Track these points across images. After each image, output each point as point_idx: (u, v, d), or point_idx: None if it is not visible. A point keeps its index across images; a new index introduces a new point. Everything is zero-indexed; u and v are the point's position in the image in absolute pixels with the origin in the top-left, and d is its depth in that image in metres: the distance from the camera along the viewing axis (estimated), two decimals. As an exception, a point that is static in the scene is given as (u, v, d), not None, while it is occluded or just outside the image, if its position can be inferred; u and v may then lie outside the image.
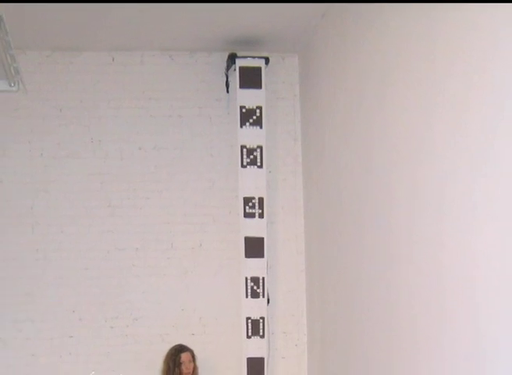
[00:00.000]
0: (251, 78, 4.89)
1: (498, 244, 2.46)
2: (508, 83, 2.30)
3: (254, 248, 4.85)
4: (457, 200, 2.77)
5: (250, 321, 4.84)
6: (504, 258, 2.39)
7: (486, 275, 2.52)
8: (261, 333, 4.84)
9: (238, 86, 4.86)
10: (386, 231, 3.53)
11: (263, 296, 4.86)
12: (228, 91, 5.03)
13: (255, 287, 4.85)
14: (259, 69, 4.89)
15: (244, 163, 4.86)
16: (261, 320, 4.85)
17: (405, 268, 3.33)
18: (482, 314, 2.56)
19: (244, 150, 4.86)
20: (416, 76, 3.12)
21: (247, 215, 4.85)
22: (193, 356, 4.51)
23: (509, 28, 2.29)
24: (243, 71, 4.86)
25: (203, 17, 4.49)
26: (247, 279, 4.84)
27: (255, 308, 4.86)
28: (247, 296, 4.83)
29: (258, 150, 4.88)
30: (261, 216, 4.85)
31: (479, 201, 2.56)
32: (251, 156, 4.87)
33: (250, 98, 4.89)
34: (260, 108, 4.88)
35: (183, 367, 4.44)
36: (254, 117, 4.87)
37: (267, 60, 4.93)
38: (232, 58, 4.89)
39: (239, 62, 4.86)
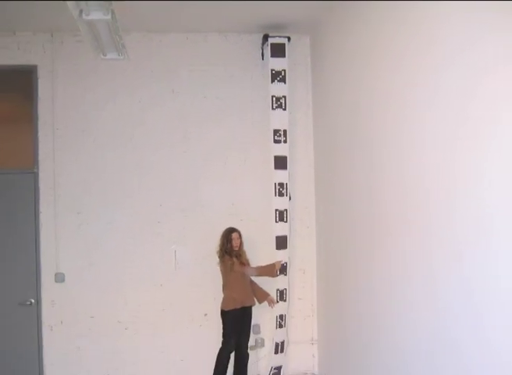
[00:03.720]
0: (278, 50, 5.66)
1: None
2: (448, 59, 2.85)
3: (280, 163, 5.65)
4: (411, 127, 3.34)
5: (277, 212, 5.67)
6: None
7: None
8: (285, 220, 5.67)
9: (270, 56, 5.65)
10: (368, 150, 4.21)
11: (286, 195, 5.70)
12: (263, 59, 5.82)
13: (281, 189, 5.68)
14: (283, 44, 5.68)
15: (274, 107, 5.67)
16: (284, 211, 5.68)
17: (380, 172, 3.96)
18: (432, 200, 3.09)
19: (274, 98, 5.65)
20: (389, 53, 3.71)
21: (275, 141, 5.67)
22: (240, 235, 5.45)
23: (456, 19, 2.79)
24: (273, 46, 5.67)
25: (247, 10, 5.29)
26: (275, 184, 5.67)
27: (281, 203, 5.68)
28: (275, 195, 5.68)
29: (283, 98, 5.66)
30: (285, 142, 5.68)
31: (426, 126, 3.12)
32: (278, 102, 5.67)
33: (277, 63, 5.67)
34: (284, 70, 5.67)
35: (233, 242, 5.37)
36: (280, 76, 5.67)
37: (289, 39, 5.71)
38: (265, 38, 5.70)
39: (270, 40, 5.67)
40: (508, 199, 2.42)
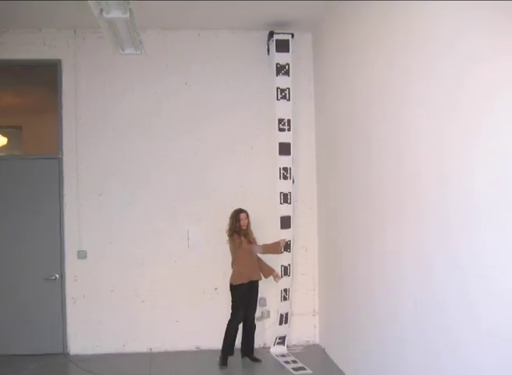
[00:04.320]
0: (283, 46, 5.91)
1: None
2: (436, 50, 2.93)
3: (285, 149, 5.90)
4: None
5: (282, 194, 5.91)
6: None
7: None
8: (288, 201, 5.93)
9: (275, 51, 5.90)
10: (365, 136, 4.34)
11: (290, 178, 5.93)
12: (268, 54, 6.06)
13: (285, 173, 5.91)
14: (288, 40, 5.93)
15: (278, 98, 5.91)
16: (288, 193, 5.93)
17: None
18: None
19: (278, 90, 5.91)
20: (385, 49, 3.79)
21: (280, 129, 5.92)
22: (247, 215, 5.65)
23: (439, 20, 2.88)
24: (278, 42, 5.93)
25: (254, 9, 5.50)
26: (280, 168, 5.91)
27: (285, 186, 5.92)
28: (280, 178, 5.92)
29: (287, 90, 5.92)
30: (289, 130, 5.92)
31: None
32: (283, 93, 5.91)
33: (282, 58, 5.92)
34: (288, 64, 5.91)
35: (241, 222, 5.58)
36: (285, 70, 5.91)
37: (292, 35, 5.95)
38: (271, 34, 5.97)
39: (275, 37, 5.93)
40: (499, 190, 2.46)
